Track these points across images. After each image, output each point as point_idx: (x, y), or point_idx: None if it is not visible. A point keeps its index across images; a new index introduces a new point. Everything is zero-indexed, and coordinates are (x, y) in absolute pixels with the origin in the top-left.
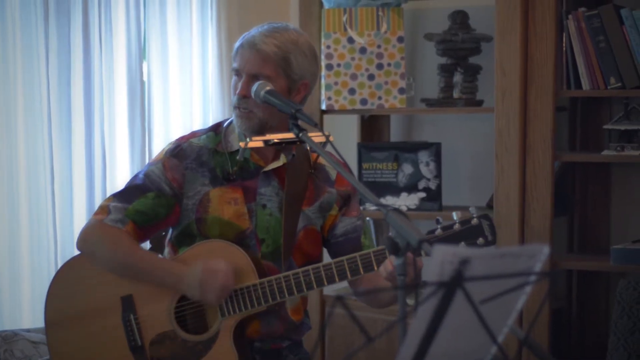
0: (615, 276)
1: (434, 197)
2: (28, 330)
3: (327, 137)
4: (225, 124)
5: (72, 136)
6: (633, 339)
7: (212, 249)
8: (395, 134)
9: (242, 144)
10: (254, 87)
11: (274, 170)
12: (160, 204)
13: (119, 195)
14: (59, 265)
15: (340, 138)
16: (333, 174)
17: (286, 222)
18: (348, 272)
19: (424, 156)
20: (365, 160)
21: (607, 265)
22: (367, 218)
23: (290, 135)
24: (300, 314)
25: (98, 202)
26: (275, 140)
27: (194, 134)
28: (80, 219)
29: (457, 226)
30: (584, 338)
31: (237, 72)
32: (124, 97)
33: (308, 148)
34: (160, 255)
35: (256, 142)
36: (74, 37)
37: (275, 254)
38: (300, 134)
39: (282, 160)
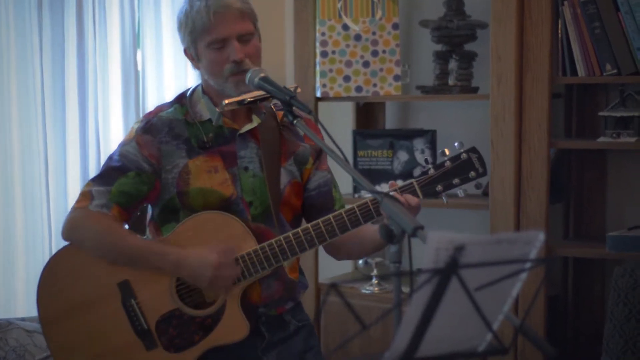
0: (611, 263)
1: None
2: (22, 319)
3: (295, 89)
4: (189, 94)
5: (66, 125)
6: (629, 326)
7: (203, 222)
8: (390, 121)
9: (218, 109)
10: (248, 75)
11: (249, 132)
12: (142, 182)
13: (98, 179)
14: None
15: (336, 125)
16: (301, 130)
17: (270, 180)
18: (349, 224)
19: (419, 143)
20: (360, 148)
21: (603, 252)
22: None
23: (260, 92)
24: (296, 271)
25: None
26: (250, 99)
27: (160, 109)
28: None
29: (448, 163)
30: (579, 325)
31: (221, 42)
32: (118, 86)
33: (272, 106)
34: (150, 238)
35: (230, 105)
36: (68, 27)
37: (265, 214)
38: (295, 121)
39: (255, 121)
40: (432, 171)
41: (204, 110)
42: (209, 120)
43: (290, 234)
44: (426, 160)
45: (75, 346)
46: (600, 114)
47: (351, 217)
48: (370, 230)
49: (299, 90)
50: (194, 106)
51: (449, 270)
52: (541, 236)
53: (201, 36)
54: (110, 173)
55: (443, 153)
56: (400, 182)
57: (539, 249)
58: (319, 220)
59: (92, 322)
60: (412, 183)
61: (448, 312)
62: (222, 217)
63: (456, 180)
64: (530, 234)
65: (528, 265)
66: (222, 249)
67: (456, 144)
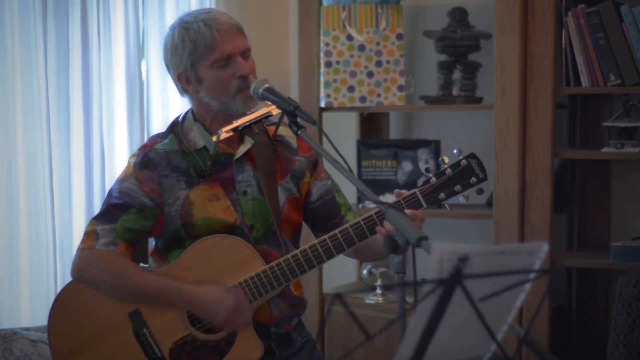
0: (615, 273)
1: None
2: (27, 329)
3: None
4: (180, 121)
5: (70, 135)
6: (633, 336)
7: (209, 247)
8: (394, 132)
9: (214, 138)
10: (252, 85)
11: (243, 155)
12: (145, 217)
13: (101, 217)
14: (58, 264)
15: (340, 136)
16: (294, 142)
17: (270, 201)
18: (355, 238)
19: (423, 154)
20: (364, 158)
21: (607, 263)
22: None
23: (254, 115)
24: (300, 287)
25: (97, 201)
26: (245, 124)
27: (154, 141)
28: (79, 218)
29: (449, 171)
30: (583, 336)
31: (226, 60)
32: (122, 95)
33: (263, 124)
34: (155, 267)
35: (227, 133)
36: (73, 36)
37: (267, 235)
38: (299, 132)
39: (248, 142)
40: (433, 180)
41: (198, 137)
42: (204, 147)
43: (297, 252)
44: (427, 170)
45: None
46: (604, 124)
47: (357, 230)
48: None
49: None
50: (187, 134)
51: (453, 280)
52: (545, 247)
53: (204, 56)
54: (112, 210)
55: (442, 161)
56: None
57: (542, 260)
58: (326, 236)
59: (105, 354)
60: (415, 193)
61: (452, 323)
62: (228, 240)
63: (458, 187)
64: (534, 245)
65: (532, 275)
66: (238, 293)
67: (455, 151)
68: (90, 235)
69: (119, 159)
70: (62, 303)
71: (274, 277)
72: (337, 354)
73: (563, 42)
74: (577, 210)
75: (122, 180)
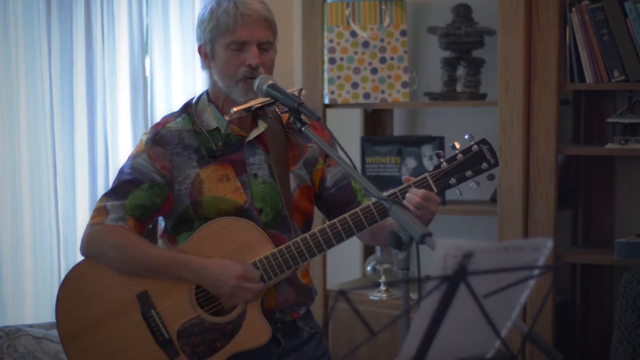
0: (619, 270)
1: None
2: (31, 326)
3: (300, 91)
4: (194, 103)
5: (74, 131)
6: (637, 332)
7: (219, 229)
8: (398, 128)
9: (227, 117)
10: (257, 81)
11: (256, 138)
12: (155, 194)
13: (112, 194)
14: (62, 260)
15: (344, 132)
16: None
17: (281, 186)
18: (365, 222)
19: (427, 150)
20: (368, 155)
21: (611, 259)
22: None
23: (268, 98)
24: (308, 276)
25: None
26: (258, 105)
27: (167, 119)
28: (82, 214)
29: (460, 156)
30: (588, 332)
31: (242, 44)
32: (126, 92)
33: (277, 109)
34: (175, 251)
35: (239, 112)
36: (77, 32)
37: (277, 220)
38: (304, 128)
39: (261, 126)
40: (444, 165)
41: (211, 118)
42: (217, 129)
43: (307, 235)
44: (438, 155)
45: None
46: (608, 120)
47: (367, 214)
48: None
49: (303, 92)
50: (200, 115)
51: (457, 277)
52: (549, 243)
53: (223, 35)
54: (123, 187)
55: (454, 147)
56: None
57: (547, 256)
58: (336, 220)
59: (112, 335)
60: (426, 177)
61: (456, 319)
62: (238, 222)
63: (469, 173)
64: (538, 241)
65: (536, 272)
66: (247, 266)
67: (466, 136)
68: (100, 211)
69: (123, 154)
70: (71, 283)
71: (283, 260)
72: (341, 350)
73: (567, 38)
74: (581, 207)
75: (133, 156)
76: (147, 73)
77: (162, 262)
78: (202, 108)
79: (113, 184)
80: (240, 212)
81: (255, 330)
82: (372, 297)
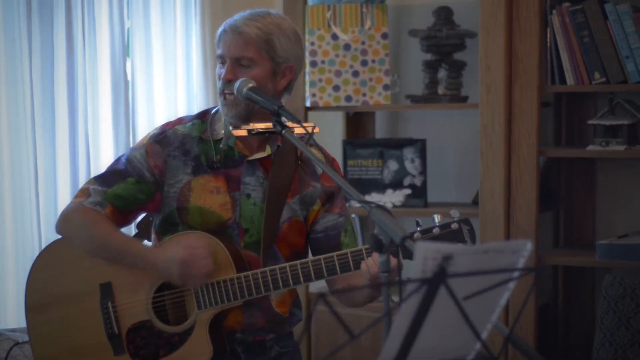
0: (600, 272)
1: (419, 193)
2: (13, 330)
3: (313, 128)
4: (213, 112)
5: (55, 135)
6: (619, 334)
7: (192, 239)
8: (380, 131)
9: (229, 132)
10: (237, 84)
11: (259, 160)
12: (140, 190)
13: (100, 179)
14: None
15: (325, 135)
16: (319, 169)
17: (268, 213)
18: (325, 272)
19: (409, 153)
20: (350, 157)
21: (593, 261)
22: (353, 215)
23: (269, 125)
24: (286, 306)
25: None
26: (260, 130)
27: (180, 121)
28: None
29: (436, 230)
30: (570, 334)
31: (222, 59)
32: (107, 95)
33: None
34: (137, 240)
35: (240, 131)
36: (57, 35)
37: (258, 245)
38: (284, 131)
39: (267, 150)
40: (418, 235)
41: (221, 129)
42: (222, 139)
43: (267, 270)
44: (417, 223)
45: (51, 337)
46: (590, 122)
47: (328, 265)
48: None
49: (317, 130)
50: (214, 123)
51: (437, 279)
52: (529, 245)
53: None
54: (112, 175)
55: (434, 219)
56: (390, 192)
57: (527, 258)
58: (297, 262)
59: (70, 316)
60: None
61: (436, 322)
62: (210, 240)
63: None
64: (518, 243)
65: (516, 274)
66: (190, 245)
67: (451, 212)
68: (83, 191)
69: (105, 158)
70: (46, 257)
71: (239, 288)
72: (323, 354)
73: (548, 40)
74: (563, 209)
75: (134, 148)
76: (129, 76)
77: (121, 249)
78: (218, 117)
79: (107, 168)
80: (223, 227)
81: (197, 347)
82: None
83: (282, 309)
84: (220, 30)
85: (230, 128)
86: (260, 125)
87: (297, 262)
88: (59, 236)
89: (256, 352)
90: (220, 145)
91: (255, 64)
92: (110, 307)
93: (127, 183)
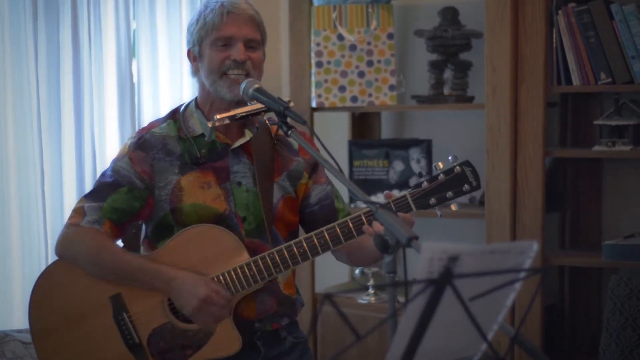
0: (607, 272)
1: None
2: (19, 331)
3: (289, 102)
4: (182, 110)
5: (62, 137)
6: (625, 334)
7: (195, 235)
8: (386, 131)
9: (210, 124)
10: (242, 85)
11: (241, 147)
12: (134, 198)
13: (91, 196)
14: None
15: (331, 135)
16: (295, 143)
17: (263, 195)
18: (342, 238)
19: (415, 153)
20: (356, 158)
21: (599, 261)
22: None
23: (256, 107)
24: (292, 287)
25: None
26: (243, 114)
27: (152, 125)
28: None
29: (441, 177)
30: (576, 334)
31: (227, 40)
32: (113, 96)
33: (267, 121)
34: (147, 258)
35: (222, 120)
36: (63, 36)
37: (259, 229)
38: (290, 132)
39: (247, 135)
40: (425, 184)
41: (197, 125)
42: (202, 135)
43: (283, 247)
44: (420, 174)
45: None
46: (595, 122)
47: (344, 229)
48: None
49: (291, 104)
50: (187, 121)
51: (443, 280)
52: (535, 246)
53: (209, 33)
54: (102, 189)
55: (437, 166)
56: (396, 192)
57: (533, 259)
58: (312, 233)
59: (83, 335)
60: (405, 196)
61: (442, 322)
62: (215, 230)
63: (450, 194)
64: (524, 244)
65: (522, 275)
66: (217, 287)
67: (450, 158)
68: (77, 212)
69: (110, 159)
70: (45, 282)
71: (257, 271)
72: (329, 355)
73: (554, 40)
74: (569, 209)
75: (116, 159)
76: (134, 77)
77: (133, 270)
78: (189, 114)
79: (93, 185)
80: (221, 219)
81: (225, 339)
82: (360, 301)
83: (289, 291)
84: (219, 11)
85: (216, 117)
86: (242, 110)
87: (312, 233)
88: (54, 250)
89: (273, 343)
90: (206, 139)
91: (258, 47)
92: (126, 317)
93: (119, 194)
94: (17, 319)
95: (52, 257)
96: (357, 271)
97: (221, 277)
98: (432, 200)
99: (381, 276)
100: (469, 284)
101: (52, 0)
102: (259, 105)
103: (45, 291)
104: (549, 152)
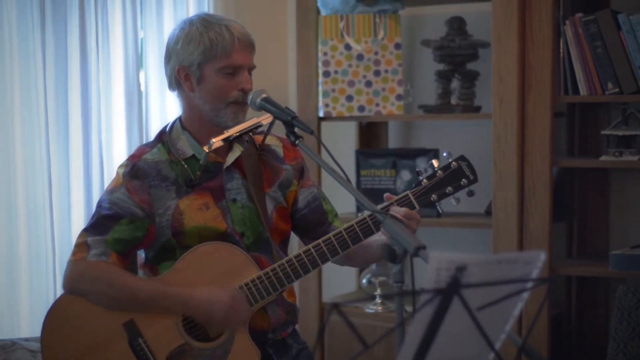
0: (614, 282)
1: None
2: (26, 340)
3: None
4: (168, 132)
5: (69, 146)
6: (632, 344)
7: (204, 254)
8: (393, 141)
9: (206, 149)
10: (250, 95)
11: (232, 163)
12: (136, 228)
13: (92, 229)
14: (57, 274)
15: (338, 145)
16: (280, 151)
17: (260, 208)
18: (349, 242)
19: (422, 163)
20: (363, 167)
21: (606, 271)
22: None
23: (245, 125)
24: (293, 295)
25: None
26: (236, 134)
27: (142, 151)
28: (77, 228)
29: (439, 173)
30: (583, 344)
31: (236, 68)
32: (121, 106)
33: (250, 134)
34: (162, 283)
35: (218, 143)
36: (71, 46)
37: (258, 242)
38: (297, 142)
39: (237, 150)
40: (425, 182)
41: (186, 147)
42: (193, 156)
43: (292, 257)
44: (418, 172)
45: None
46: (603, 132)
47: (351, 234)
48: (374, 240)
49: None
50: (175, 144)
51: (451, 290)
52: (542, 256)
53: (217, 59)
54: (103, 222)
55: (433, 164)
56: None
57: (540, 269)
58: (320, 241)
59: None
60: (407, 195)
61: (450, 332)
62: (222, 247)
63: (449, 189)
64: (532, 254)
65: (529, 284)
66: (233, 290)
67: (445, 154)
68: (81, 247)
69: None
70: (55, 316)
71: (269, 283)
72: None
73: (561, 50)
74: (576, 219)
75: (111, 190)
76: (142, 87)
77: (150, 295)
78: (175, 136)
79: (92, 219)
80: (222, 238)
81: (244, 354)
82: (367, 310)
83: (292, 299)
84: (228, 37)
85: (212, 141)
86: (234, 130)
87: (319, 240)
88: (62, 288)
89: (283, 352)
90: (201, 162)
91: (253, 70)
92: (142, 343)
93: (121, 225)
94: (25, 327)
95: (59, 266)
96: (364, 280)
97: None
98: (433, 197)
99: (388, 285)
100: (476, 294)
101: (59, 10)
102: (249, 124)
103: (57, 325)
104: (556, 161)
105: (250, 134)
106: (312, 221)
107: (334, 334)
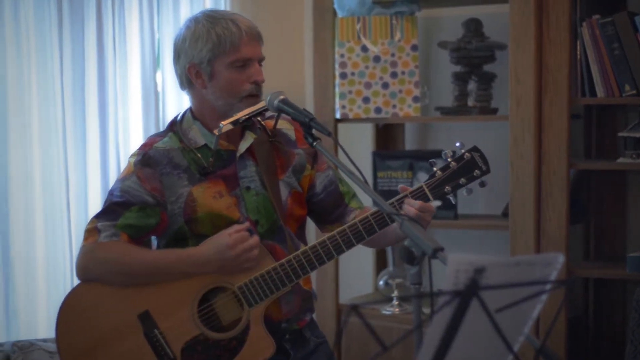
0: (631, 284)
1: (449, 205)
2: (44, 340)
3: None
4: (179, 121)
5: (87, 147)
6: None
7: None
8: (409, 143)
9: (216, 132)
10: (268, 97)
11: (245, 151)
12: (147, 215)
13: (102, 215)
14: (74, 275)
15: (355, 147)
16: (292, 134)
17: (273, 195)
18: (364, 233)
19: (438, 164)
20: (380, 169)
21: (624, 273)
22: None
23: (254, 108)
24: (309, 282)
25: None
26: (245, 116)
27: (153, 140)
28: None
29: (453, 164)
30: (600, 346)
31: (246, 61)
32: (138, 106)
33: (260, 120)
34: (173, 249)
35: (228, 126)
36: (88, 47)
37: (272, 230)
38: (315, 143)
39: (250, 137)
40: (439, 173)
41: (198, 136)
42: (205, 145)
43: (307, 248)
44: (431, 163)
45: None
46: (620, 134)
47: (366, 226)
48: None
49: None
50: (186, 134)
51: (469, 292)
52: (561, 258)
53: (226, 53)
54: (113, 208)
55: (445, 155)
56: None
57: (558, 271)
58: (335, 232)
59: (115, 357)
60: (421, 187)
61: (468, 334)
62: None
63: (463, 180)
64: (550, 256)
65: (548, 286)
66: (228, 231)
67: (457, 144)
68: (91, 232)
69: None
70: (69, 308)
71: (284, 274)
72: None
73: (578, 52)
74: (593, 221)
75: (123, 179)
76: (159, 88)
77: (163, 262)
78: (187, 126)
79: (103, 206)
80: None
81: (259, 345)
82: (384, 312)
83: (308, 286)
84: (236, 31)
85: (222, 124)
86: (243, 113)
87: (335, 232)
88: (76, 274)
89: (300, 344)
90: (213, 147)
91: (263, 61)
92: (158, 333)
93: (131, 212)
94: (42, 328)
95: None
96: (381, 282)
97: (249, 284)
98: (447, 188)
99: (405, 287)
100: (494, 296)
101: (77, 11)
102: (257, 107)
103: (71, 317)
104: (574, 164)
105: (262, 121)
106: (329, 205)
107: (351, 335)
